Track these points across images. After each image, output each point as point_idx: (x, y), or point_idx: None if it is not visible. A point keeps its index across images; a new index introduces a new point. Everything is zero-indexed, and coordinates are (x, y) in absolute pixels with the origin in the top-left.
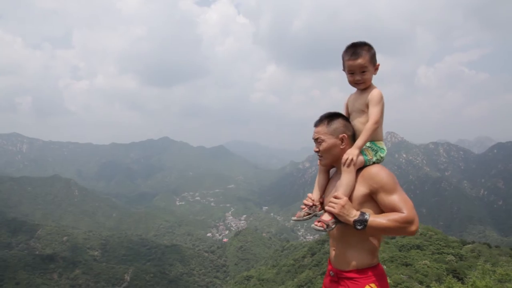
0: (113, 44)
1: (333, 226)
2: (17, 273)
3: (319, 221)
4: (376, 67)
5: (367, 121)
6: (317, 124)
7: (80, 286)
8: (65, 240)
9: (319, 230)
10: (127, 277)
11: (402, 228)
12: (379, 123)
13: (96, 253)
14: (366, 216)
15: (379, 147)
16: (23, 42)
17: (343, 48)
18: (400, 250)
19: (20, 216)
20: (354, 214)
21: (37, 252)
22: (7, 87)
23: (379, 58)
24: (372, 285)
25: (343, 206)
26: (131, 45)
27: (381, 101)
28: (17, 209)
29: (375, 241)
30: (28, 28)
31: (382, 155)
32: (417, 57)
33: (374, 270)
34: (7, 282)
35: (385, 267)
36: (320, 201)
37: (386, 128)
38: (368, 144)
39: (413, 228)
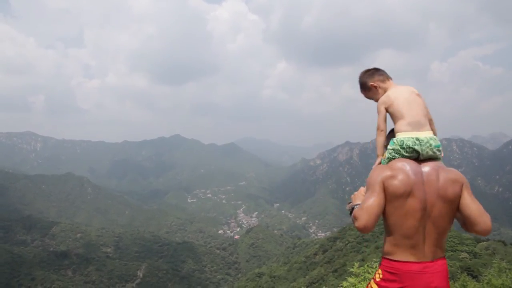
0: (124, 43)
1: (348, 210)
2: (33, 269)
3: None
4: (369, 87)
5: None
6: None
7: (93, 282)
8: (79, 237)
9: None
10: (140, 274)
11: (353, 220)
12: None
13: (109, 250)
14: (354, 207)
15: (391, 141)
16: (35, 42)
17: (354, 44)
18: None
19: (35, 213)
20: (355, 203)
21: (51, 249)
22: (20, 87)
23: (391, 53)
24: (380, 271)
25: (355, 195)
26: (141, 44)
27: (378, 109)
28: (32, 206)
29: (390, 236)
30: (41, 28)
31: (390, 147)
32: (430, 52)
33: (387, 262)
34: (23, 277)
35: None
36: None
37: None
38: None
39: (356, 224)
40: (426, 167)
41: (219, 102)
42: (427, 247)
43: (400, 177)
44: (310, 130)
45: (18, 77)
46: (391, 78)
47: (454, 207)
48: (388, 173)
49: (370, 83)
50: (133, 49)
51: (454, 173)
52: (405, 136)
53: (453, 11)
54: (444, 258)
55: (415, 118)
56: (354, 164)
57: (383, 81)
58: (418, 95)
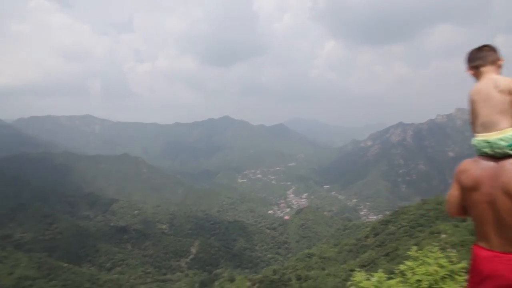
0: (171, 26)
1: None
2: (97, 241)
3: None
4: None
5: None
6: None
7: (150, 256)
8: (136, 213)
9: None
10: (193, 250)
11: None
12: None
13: (164, 226)
14: None
15: None
16: (90, 29)
17: (407, 19)
18: (471, 234)
19: (96, 191)
20: None
21: (112, 224)
22: (79, 72)
23: (449, 29)
24: None
25: None
26: (189, 27)
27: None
28: (93, 184)
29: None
30: (94, 15)
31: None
32: (494, 25)
33: (473, 245)
34: (88, 249)
35: (454, 251)
36: None
37: (455, 103)
38: None
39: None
40: (499, 163)
41: (267, 82)
42: (498, 238)
43: (468, 172)
44: (360, 110)
45: (76, 63)
46: (488, 64)
47: None
48: (461, 167)
49: (466, 71)
50: (181, 32)
51: None
52: (477, 138)
53: None
54: None
55: (486, 118)
56: (408, 145)
57: (477, 68)
58: (502, 91)
